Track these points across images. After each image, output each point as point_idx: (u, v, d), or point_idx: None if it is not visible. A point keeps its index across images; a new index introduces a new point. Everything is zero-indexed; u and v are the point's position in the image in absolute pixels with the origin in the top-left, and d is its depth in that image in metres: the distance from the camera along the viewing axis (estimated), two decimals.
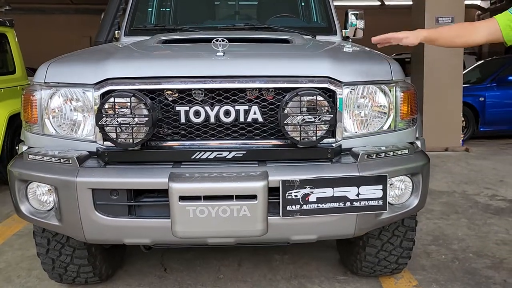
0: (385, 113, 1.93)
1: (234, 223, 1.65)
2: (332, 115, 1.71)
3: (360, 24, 3.33)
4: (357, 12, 3.36)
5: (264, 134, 1.83)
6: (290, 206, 1.67)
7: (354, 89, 1.88)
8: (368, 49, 2.34)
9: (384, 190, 1.71)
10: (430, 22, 6.17)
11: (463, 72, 8.48)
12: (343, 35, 3.28)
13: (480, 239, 3.08)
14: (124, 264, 2.68)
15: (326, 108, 1.70)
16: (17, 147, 4.65)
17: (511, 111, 7.18)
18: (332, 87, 1.81)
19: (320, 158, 1.79)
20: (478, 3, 16.13)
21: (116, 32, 3.17)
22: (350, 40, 3.14)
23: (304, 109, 1.69)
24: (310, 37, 2.91)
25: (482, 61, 9.24)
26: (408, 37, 2.00)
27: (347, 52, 2.29)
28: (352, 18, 3.32)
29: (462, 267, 2.67)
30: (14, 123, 4.46)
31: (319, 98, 1.69)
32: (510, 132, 7.33)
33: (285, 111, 1.68)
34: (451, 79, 6.29)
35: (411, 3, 6.96)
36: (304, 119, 1.68)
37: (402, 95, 1.95)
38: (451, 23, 6.14)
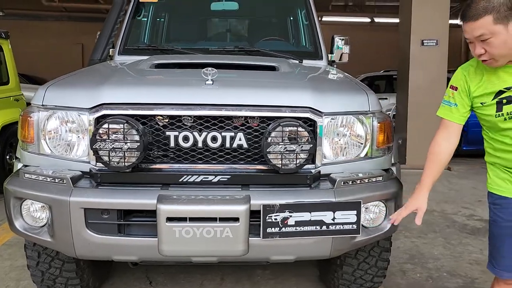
0: (362, 141, 2.07)
1: (217, 244, 1.77)
2: (312, 145, 1.84)
3: (346, 49, 3.49)
4: (343, 38, 3.52)
5: (248, 159, 1.95)
6: (270, 228, 1.79)
7: (334, 119, 2.01)
8: (348, 78, 2.48)
9: (358, 215, 1.84)
10: (416, 44, 6.39)
11: None
12: (329, 59, 3.44)
13: (455, 259, 3.23)
14: (110, 277, 2.77)
15: (306, 138, 1.83)
16: (8, 156, 4.74)
17: None
18: (313, 117, 1.95)
19: (300, 183, 1.92)
20: None
21: (111, 50, 3.29)
22: (335, 66, 3.28)
23: (286, 138, 1.81)
24: (297, 61, 3.06)
25: None
26: (420, 208, 1.93)
27: (329, 83, 2.44)
28: (338, 42, 3.47)
29: (435, 286, 2.81)
30: (7, 133, 4.54)
31: (300, 129, 1.82)
32: None
33: (268, 140, 1.81)
34: (436, 101, 6.47)
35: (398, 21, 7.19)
36: (286, 148, 1.81)
37: (378, 125, 2.09)
38: (435, 46, 6.38)
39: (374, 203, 2.02)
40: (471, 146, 7.51)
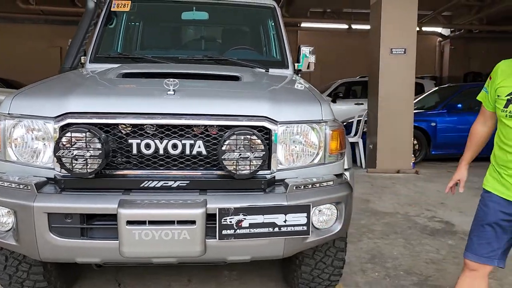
0: (315, 149, 2.21)
1: (175, 245, 1.88)
2: (265, 152, 1.97)
3: (312, 58, 3.66)
4: (310, 48, 3.69)
5: (208, 166, 2.08)
6: (226, 230, 1.91)
7: (288, 127, 2.15)
8: (307, 88, 2.63)
9: (308, 217, 1.98)
10: (385, 52, 6.64)
11: (421, 97, 9.05)
12: (296, 68, 3.60)
13: (412, 258, 3.41)
14: (79, 280, 2.85)
15: (260, 145, 1.96)
16: None
17: (459, 136, 7.69)
18: (268, 126, 2.08)
19: (255, 188, 2.05)
20: (439, 30, 17.06)
21: (83, 58, 3.37)
22: (299, 76, 3.44)
23: (241, 146, 1.94)
24: (264, 70, 3.20)
25: (437, 88, 9.84)
26: (461, 179, 2.16)
27: (286, 93, 2.57)
28: (305, 51, 3.64)
29: (392, 284, 2.97)
30: None
31: (254, 137, 1.95)
32: (459, 155, 7.79)
33: (223, 148, 1.94)
34: (404, 107, 6.74)
35: None
36: (240, 155, 1.94)
37: (331, 133, 2.24)
38: (403, 54, 6.63)
39: (326, 206, 2.16)
40: (439, 150, 7.83)
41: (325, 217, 2.19)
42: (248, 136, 1.95)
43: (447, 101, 8.15)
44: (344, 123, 8.60)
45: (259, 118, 2.09)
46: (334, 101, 11.41)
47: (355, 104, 10.60)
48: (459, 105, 7.96)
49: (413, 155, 7.27)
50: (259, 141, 1.96)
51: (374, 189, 5.74)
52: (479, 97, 2.09)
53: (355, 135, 7.60)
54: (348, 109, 10.62)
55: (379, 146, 6.77)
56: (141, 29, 3.86)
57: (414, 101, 8.49)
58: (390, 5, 6.55)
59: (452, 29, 16.75)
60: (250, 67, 3.17)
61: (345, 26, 15.48)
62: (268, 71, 3.23)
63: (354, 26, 15.14)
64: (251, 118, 2.08)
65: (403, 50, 6.60)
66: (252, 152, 1.95)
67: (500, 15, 14.40)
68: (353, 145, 7.61)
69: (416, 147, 7.80)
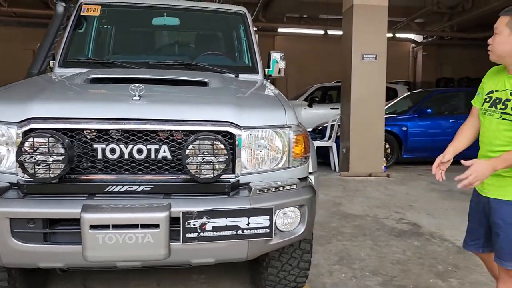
0: (279, 153, 2.27)
1: (139, 249, 1.90)
2: (228, 157, 2.02)
3: (282, 64, 3.75)
4: (280, 54, 3.77)
5: (172, 170, 2.11)
6: (189, 233, 1.94)
7: (253, 132, 2.21)
8: (273, 93, 2.69)
9: (271, 220, 2.03)
10: (357, 58, 6.79)
11: (393, 102, 9.26)
12: (266, 73, 3.68)
13: (379, 259, 3.50)
14: (46, 285, 2.82)
15: (223, 150, 2.01)
16: None
17: (429, 140, 7.94)
18: (232, 131, 2.13)
19: (219, 192, 2.09)
20: (413, 37, 17.49)
21: (51, 62, 3.35)
22: (269, 81, 3.50)
23: (204, 151, 1.98)
24: (233, 76, 3.26)
25: (409, 93, 10.09)
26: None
27: (252, 98, 2.62)
28: (277, 57, 3.73)
29: (358, 284, 3.05)
30: None
31: (217, 142, 2.00)
32: (429, 158, 8.00)
33: (187, 152, 1.98)
34: (375, 112, 6.91)
35: None
36: (203, 159, 1.98)
37: (295, 137, 2.30)
38: (375, 60, 6.80)
39: (290, 208, 2.21)
40: (411, 154, 8.03)
41: (289, 220, 2.24)
42: (211, 141, 1.99)
43: (418, 106, 8.38)
44: (319, 127, 8.74)
45: (223, 123, 2.13)
46: (310, 105, 11.57)
47: (331, 108, 10.77)
48: (430, 110, 8.20)
49: (385, 159, 7.44)
50: (222, 146, 2.00)
51: (346, 192, 5.86)
52: (472, 101, 2.22)
53: (329, 139, 7.73)
54: (324, 113, 10.79)
55: (351, 150, 6.91)
56: (112, 34, 3.86)
57: (387, 106, 8.72)
58: (361, 12, 6.71)
59: (424, 36, 17.19)
60: (220, 72, 3.22)
61: (321, 32, 15.70)
62: (238, 77, 3.28)
63: (330, 32, 15.37)
64: (215, 123, 2.12)
65: (374, 56, 6.77)
66: (215, 157, 1.99)
67: (471, 23, 14.88)
68: (327, 149, 7.74)
69: (388, 151, 7.99)
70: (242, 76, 3.32)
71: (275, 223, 2.14)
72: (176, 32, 3.95)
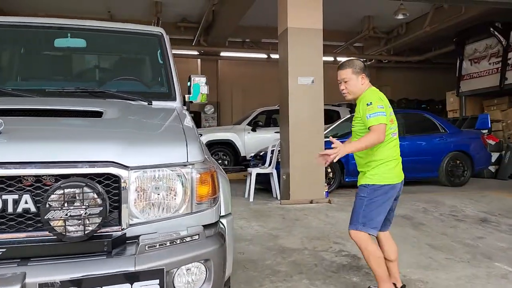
0: (179, 196, 1.89)
1: None
2: (102, 208, 1.61)
3: (204, 89, 3.42)
4: (202, 78, 3.45)
5: (37, 226, 1.66)
6: None
7: (145, 173, 1.82)
8: (180, 124, 2.32)
9: (161, 284, 1.63)
10: (293, 82, 6.62)
11: (334, 125, 9.21)
12: (188, 100, 3.33)
13: None
14: None
15: (96, 199, 1.60)
16: None
17: None
18: (116, 172, 1.73)
19: (95, 251, 1.66)
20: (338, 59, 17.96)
21: None
22: (186, 108, 3.15)
23: (69, 202, 1.56)
24: (146, 103, 2.88)
25: (349, 115, 10.12)
26: (338, 154, 2.70)
27: (148, 131, 2.23)
28: (197, 81, 3.41)
29: None
30: None
31: (86, 189, 1.58)
32: None
33: (47, 205, 1.55)
34: (314, 136, 6.73)
35: None
36: (70, 212, 1.56)
37: (199, 176, 1.94)
38: (312, 84, 6.66)
39: (193, 264, 1.83)
40: (352, 177, 7.91)
41: (193, 277, 1.85)
42: (79, 189, 1.58)
43: None
44: (261, 153, 8.47)
45: (104, 163, 1.73)
46: (254, 129, 11.36)
47: (275, 132, 10.58)
48: None
49: (327, 184, 7.26)
50: (94, 194, 1.59)
51: (286, 222, 5.54)
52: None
53: (269, 165, 7.46)
54: (267, 137, 10.61)
55: (292, 177, 6.65)
56: (6, 57, 3.36)
57: (328, 129, 8.62)
58: (295, 35, 6.59)
59: (363, 59, 17.70)
60: (131, 100, 2.83)
61: (264, 56, 15.70)
62: (151, 104, 2.90)
63: (272, 56, 15.39)
64: (94, 164, 1.71)
65: (312, 80, 6.63)
66: (85, 209, 1.58)
67: (405, 47, 15.55)
68: (268, 176, 7.46)
69: (331, 175, 7.83)
70: (156, 104, 2.94)
71: (173, 284, 1.75)
72: (82, 55, 3.52)
